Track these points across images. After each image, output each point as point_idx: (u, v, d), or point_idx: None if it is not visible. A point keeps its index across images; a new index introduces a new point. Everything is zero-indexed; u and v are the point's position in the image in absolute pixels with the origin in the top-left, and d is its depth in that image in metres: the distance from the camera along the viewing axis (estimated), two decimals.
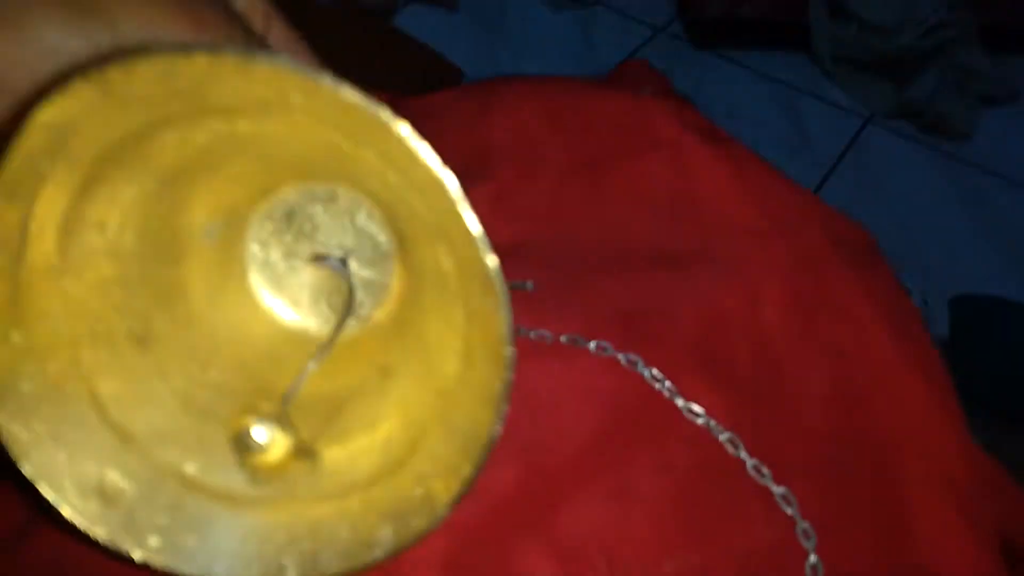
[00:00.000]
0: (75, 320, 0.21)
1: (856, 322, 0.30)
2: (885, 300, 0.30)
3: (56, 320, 0.21)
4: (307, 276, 0.25)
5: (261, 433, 0.22)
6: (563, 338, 0.29)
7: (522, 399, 0.27)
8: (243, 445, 0.21)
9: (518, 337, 0.29)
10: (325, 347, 0.23)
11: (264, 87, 0.17)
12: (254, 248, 0.25)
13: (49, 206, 0.19)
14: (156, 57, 0.17)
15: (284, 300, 0.26)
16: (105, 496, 0.21)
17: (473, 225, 0.17)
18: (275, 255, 0.25)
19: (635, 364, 0.28)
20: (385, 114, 0.17)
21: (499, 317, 0.18)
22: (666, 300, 0.30)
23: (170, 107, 0.19)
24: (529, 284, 0.30)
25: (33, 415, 0.20)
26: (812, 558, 0.25)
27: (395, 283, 0.25)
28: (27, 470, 0.20)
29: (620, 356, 0.28)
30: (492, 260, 0.18)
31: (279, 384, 0.23)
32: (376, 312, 0.25)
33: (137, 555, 0.21)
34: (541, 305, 0.29)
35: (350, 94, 0.17)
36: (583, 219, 0.33)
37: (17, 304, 0.20)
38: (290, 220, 0.25)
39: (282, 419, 0.22)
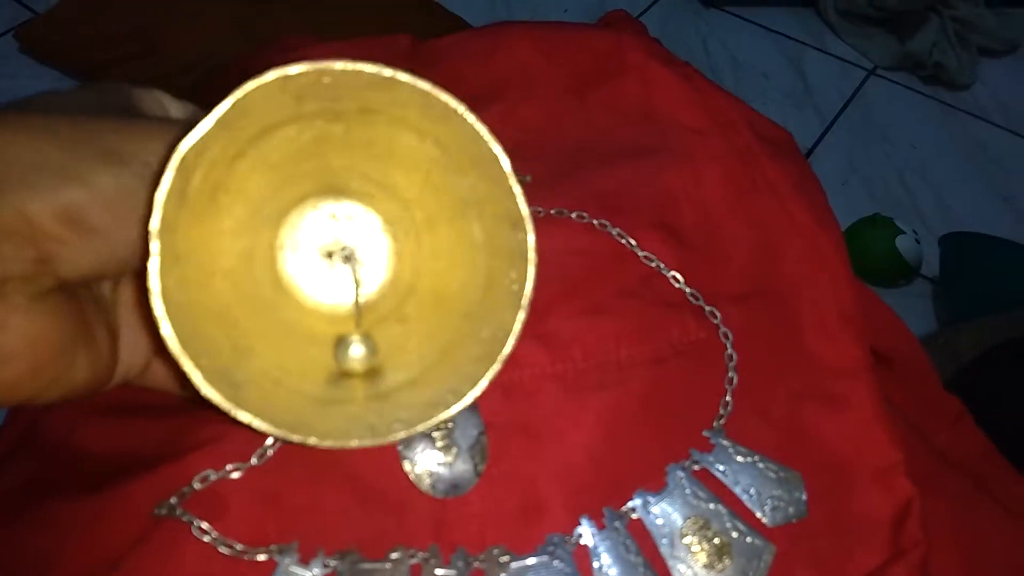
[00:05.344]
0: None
1: (778, 196, 0.39)
2: (800, 181, 0.40)
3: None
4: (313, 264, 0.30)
5: (358, 348, 0.29)
6: (552, 211, 0.38)
7: None
8: (342, 354, 0.29)
9: None
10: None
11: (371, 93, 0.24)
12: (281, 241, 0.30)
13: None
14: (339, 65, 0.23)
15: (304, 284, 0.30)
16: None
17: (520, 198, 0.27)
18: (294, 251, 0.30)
19: (605, 226, 0.38)
20: (453, 99, 0.24)
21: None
22: (631, 183, 0.39)
23: (307, 106, 0.24)
24: (528, 177, 0.40)
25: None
26: (729, 350, 0.34)
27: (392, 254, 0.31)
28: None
29: (595, 222, 0.38)
30: (531, 239, 0.28)
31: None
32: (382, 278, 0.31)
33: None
34: (536, 191, 0.39)
35: (424, 84, 0.24)
36: (571, 128, 0.42)
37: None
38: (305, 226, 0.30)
39: (369, 343, 0.29)
